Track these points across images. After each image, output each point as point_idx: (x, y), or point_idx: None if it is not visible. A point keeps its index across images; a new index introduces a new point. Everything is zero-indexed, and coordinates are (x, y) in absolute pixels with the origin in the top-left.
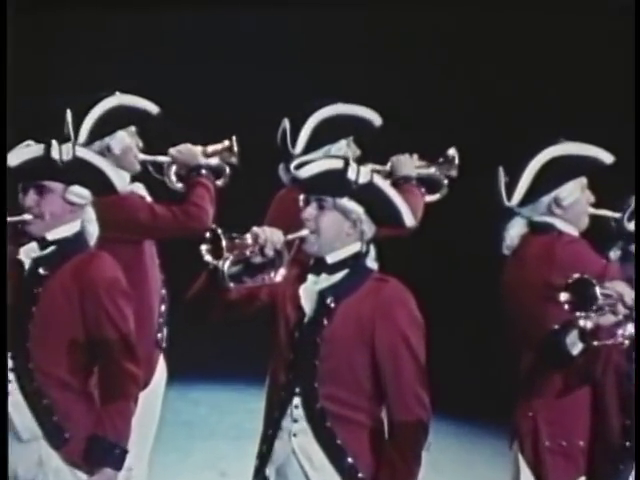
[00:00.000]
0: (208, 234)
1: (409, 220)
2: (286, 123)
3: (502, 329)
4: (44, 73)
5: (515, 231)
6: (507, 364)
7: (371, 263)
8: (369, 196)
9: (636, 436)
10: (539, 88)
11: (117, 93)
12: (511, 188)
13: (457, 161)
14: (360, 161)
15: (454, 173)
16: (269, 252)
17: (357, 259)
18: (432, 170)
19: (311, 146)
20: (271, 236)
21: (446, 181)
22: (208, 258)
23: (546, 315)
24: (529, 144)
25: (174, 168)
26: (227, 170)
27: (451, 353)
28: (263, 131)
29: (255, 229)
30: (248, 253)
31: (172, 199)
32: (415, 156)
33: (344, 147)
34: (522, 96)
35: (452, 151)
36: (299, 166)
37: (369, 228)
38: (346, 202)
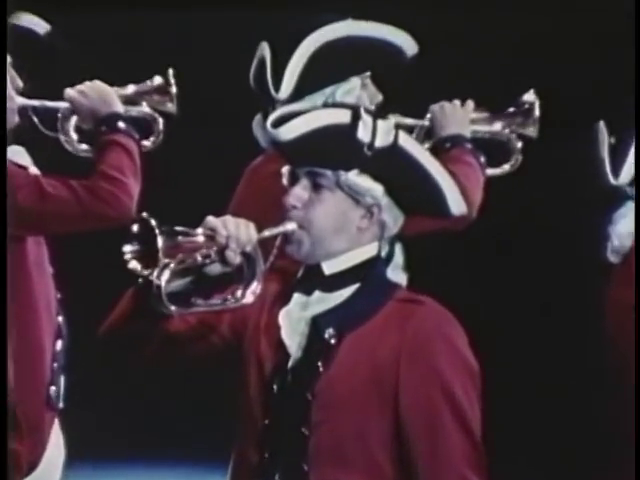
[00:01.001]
0: (135, 227)
1: (457, 207)
2: (265, 49)
3: (604, 377)
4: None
5: (626, 225)
6: (612, 433)
7: (395, 274)
8: (392, 168)
9: (636, 439)
10: None
11: None
12: (619, 157)
13: (537, 112)
14: (380, 112)
15: (532, 132)
16: (234, 257)
17: (373, 268)
18: (497, 127)
19: (304, 87)
20: (237, 232)
21: (519, 144)
22: (135, 266)
23: None
24: None
25: (74, 120)
26: (160, 124)
27: (520, 416)
28: (223, 62)
29: (212, 220)
30: (200, 259)
31: (71, 170)
32: (470, 104)
33: (357, 89)
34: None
35: (530, 96)
36: (281, 121)
37: (393, 219)
38: (355, 178)
